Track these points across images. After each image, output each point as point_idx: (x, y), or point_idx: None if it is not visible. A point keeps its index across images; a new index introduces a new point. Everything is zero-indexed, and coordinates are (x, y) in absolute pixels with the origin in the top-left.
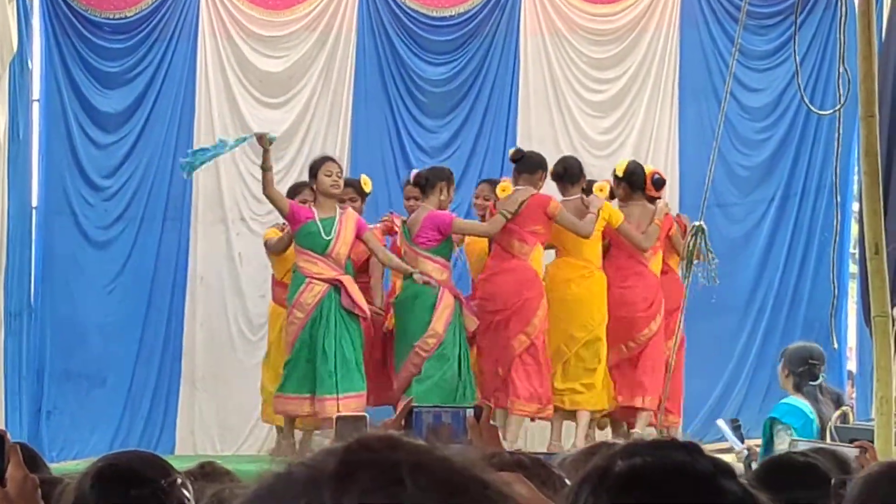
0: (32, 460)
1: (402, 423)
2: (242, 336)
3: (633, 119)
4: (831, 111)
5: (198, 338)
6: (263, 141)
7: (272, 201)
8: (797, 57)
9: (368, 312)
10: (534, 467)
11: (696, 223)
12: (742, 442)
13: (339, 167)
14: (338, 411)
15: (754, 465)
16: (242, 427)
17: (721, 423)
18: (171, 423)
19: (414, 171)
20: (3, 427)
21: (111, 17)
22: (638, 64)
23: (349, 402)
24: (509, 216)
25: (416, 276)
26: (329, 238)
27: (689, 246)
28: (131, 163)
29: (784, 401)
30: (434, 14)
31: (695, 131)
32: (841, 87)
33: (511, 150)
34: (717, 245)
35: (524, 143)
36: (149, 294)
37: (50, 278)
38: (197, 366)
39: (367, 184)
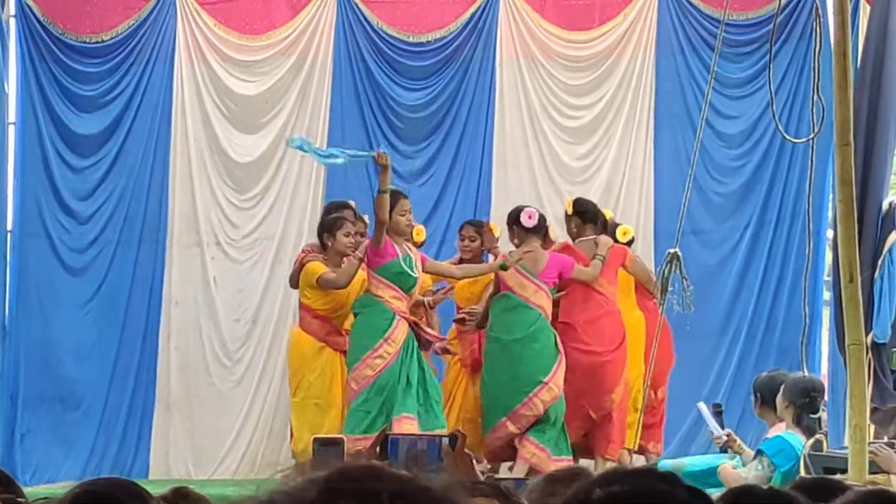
0: (8, 484)
1: (377, 450)
2: (217, 360)
3: (608, 145)
4: (806, 139)
5: (172, 361)
6: (382, 159)
7: (382, 227)
8: (772, 85)
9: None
10: (509, 495)
11: (671, 250)
12: (722, 428)
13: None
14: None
15: (730, 454)
16: (217, 451)
17: (702, 406)
18: (144, 446)
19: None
20: None
21: (88, 40)
22: (614, 91)
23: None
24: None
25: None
26: (415, 276)
27: (663, 273)
28: (107, 186)
29: (781, 435)
30: (411, 39)
31: (670, 158)
32: (815, 115)
33: (571, 201)
34: (692, 272)
35: (500, 168)
36: (123, 317)
37: (25, 301)
38: (171, 389)
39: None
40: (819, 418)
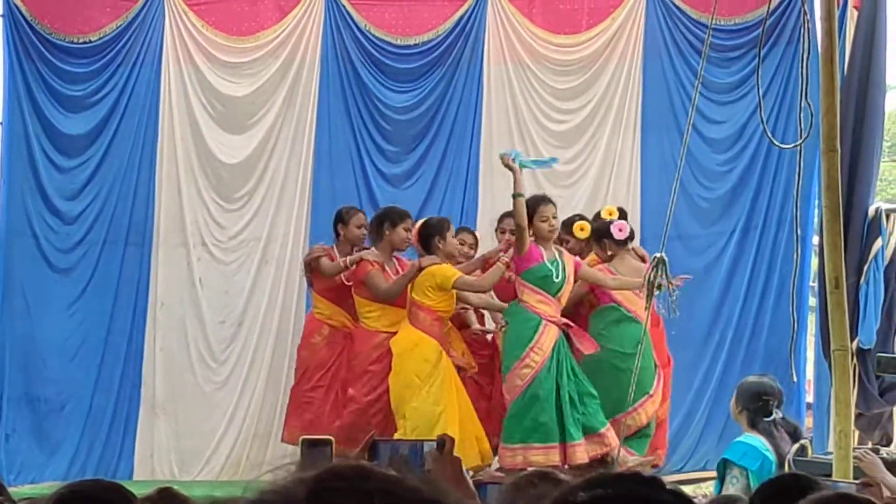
0: None
1: (365, 455)
2: (202, 361)
3: (595, 150)
4: (793, 145)
5: (157, 362)
6: (506, 160)
7: (523, 232)
8: (760, 90)
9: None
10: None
11: (657, 255)
12: None
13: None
14: (586, 458)
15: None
16: (202, 452)
17: None
18: (129, 447)
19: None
20: None
21: (75, 40)
22: (601, 95)
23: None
24: None
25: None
26: (560, 280)
27: (649, 278)
28: (93, 186)
29: (739, 440)
30: (398, 42)
31: (656, 163)
32: (802, 120)
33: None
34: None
35: (486, 171)
36: (109, 318)
37: (10, 301)
38: (156, 391)
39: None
40: (774, 420)
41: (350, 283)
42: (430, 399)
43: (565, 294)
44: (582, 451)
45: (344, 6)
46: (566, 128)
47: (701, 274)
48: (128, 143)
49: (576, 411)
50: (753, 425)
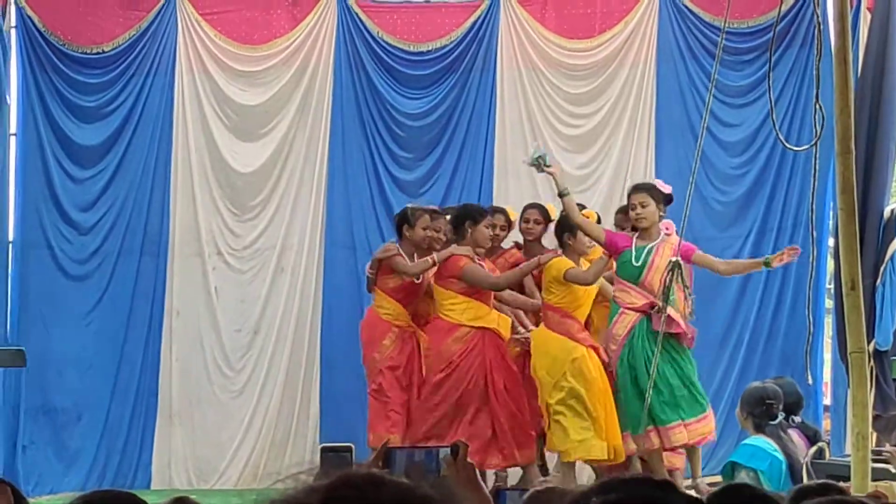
0: (15, 496)
1: (380, 463)
2: (218, 370)
3: (609, 154)
4: (806, 147)
5: (174, 372)
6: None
7: (584, 228)
8: (772, 93)
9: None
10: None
11: (673, 259)
12: None
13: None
14: (687, 439)
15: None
16: (218, 461)
17: None
18: (146, 457)
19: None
20: None
21: (88, 51)
22: (614, 99)
23: (697, 426)
24: None
25: None
26: (639, 265)
27: (665, 281)
28: (108, 197)
29: (746, 442)
30: (411, 49)
31: (671, 166)
32: (816, 123)
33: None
34: (694, 280)
35: (500, 177)
36: (125, 328)
37: (26, 312)
38: (173, 400)
39: (511, 214)
40: (780, 423)
41: (419, 282)
42: (570, 394)
43: (648, 280)
44: (681, 434)
45: (356, 14)
46: (580, 132)
47: (717, 278)
48: (142, 152)
49: (662, 396)
50: (759, 429)
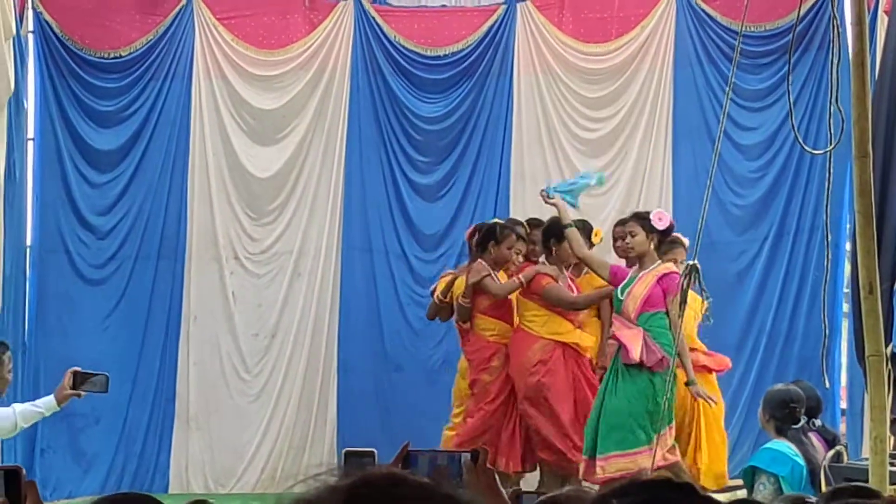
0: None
1: (400, 465)
2: (236, 374)
3: (626, 158)
4: (824, 151)
5: (191, 376)
6: (545, 198)
7: (588, 262)
8: (791, 96)
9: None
10: None
11: (690, 262)
12: None
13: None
14: (601, 471)
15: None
16: (236, 465)
17: None
18: (164, 462)
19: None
20: None
21: (106, 56)
22: (631, 103)
23: (619, 461)
24: None
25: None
26: (622, 298)
27: (682, 285)
28: (126, 201)
29: (767, 446)
30: (428, 53)
31: (688, 170)
32: (833, 126)
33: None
34: (711, 284)
35: (517, 181)
36: (143, 333)
37: (44, 316)
38: (190, 404)
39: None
40: (802, 427)
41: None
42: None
43: (625, 308)
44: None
45: (373, 18)
46: (597, 136)
47: (734, 281)
48: (159, 157)
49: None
50: (781, 433)
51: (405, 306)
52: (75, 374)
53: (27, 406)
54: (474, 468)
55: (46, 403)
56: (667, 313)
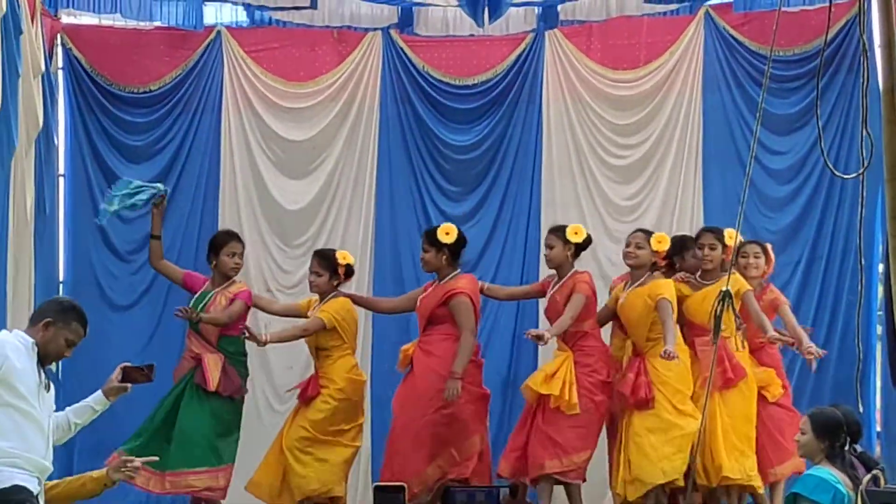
0: None
1: (438, 501)
2: (269, 407)
3: (657, 184)
4: (854, 175)
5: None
6: (158, 200)
7: (162, 273)
8: (820, 121)
9: (211, 386)
10: None
11: (724, 288)
12: None
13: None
14: (171, 485)
15: None
16: None
17: None
18: None
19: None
20: None
21: (135, 90)
22: (661, 129)
23: (185, 477)
24: None
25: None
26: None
27: (716, 311)
28: None
29: (810, 472)
30: (457, 82)
31: (719, 195)
32: (864, 150)
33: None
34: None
35: (548, 209)
36: (176, 366)
37: (77, 351)
38: None
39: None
40: (853, 450)
41: None
42: None
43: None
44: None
45: (401, 48)
46: (627, 163)
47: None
48: (189, 191)
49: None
50: (830, 458)
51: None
52: (125, 368)
53: (77, 404)
54: (513, 501)
55: (96, 399)
56: None
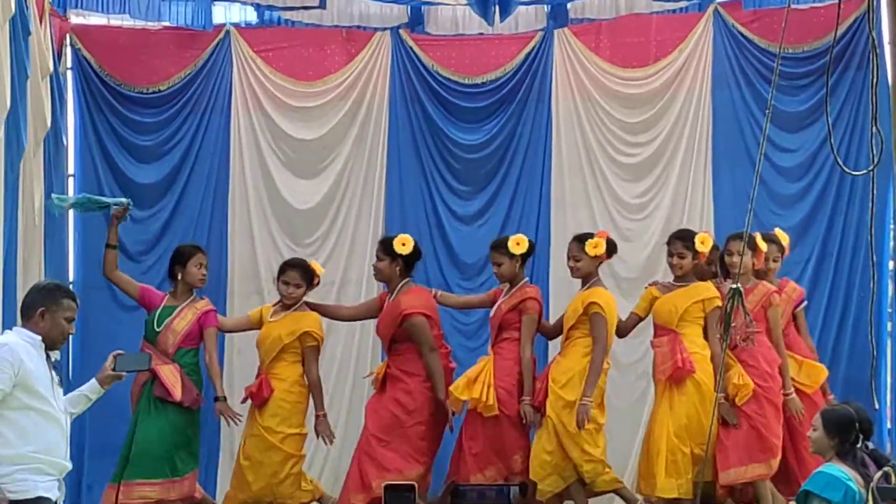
0: None
1: (448, 500)
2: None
3: (666, 182)
4: (864, 171)
5: (236, 409)
6: (120, 212)
7: (115, 284)
8: (829, 118)
9: (177, 397)
10: None
11: (733, 286)
12: None
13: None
14: (125, 498)
15: None
16: None
17: None
18: (210, 494)
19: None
20: None
21: (145, 90)
22: (670, 127)
23: (139, 488)
24: None
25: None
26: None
27: (726, 308)
28: (167, 236)
29: (822, 470)
30: (466, 81)
31: (728, 193)
32: (873, 147)
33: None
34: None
35: (558, 208)
36: (199, 382)
37: (88, 353)
38: (235, 438)
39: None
40: (865, 447)
41: None
42: None
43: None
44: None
45: (410, 47)
46: (637, 161)
47: None
48: (199, 191)
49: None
50: (842, 455)
51: (447, 335)
52: (116, 356)
53: (72, 393)
54: (523, 500)
55: (90, 387)
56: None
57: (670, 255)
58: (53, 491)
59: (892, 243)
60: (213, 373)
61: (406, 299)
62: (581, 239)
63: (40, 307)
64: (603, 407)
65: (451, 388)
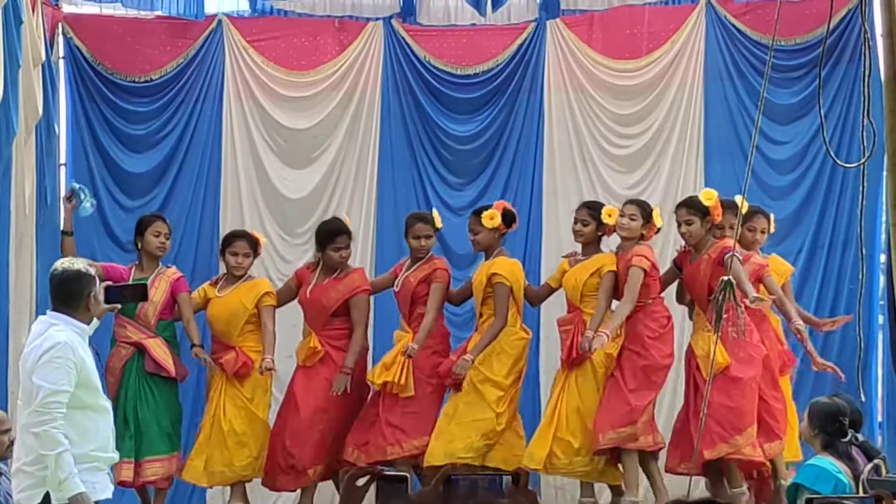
0: None
1: (440, 489)
2: (271, 395)
3: (658, 174)
4: (856, 164)
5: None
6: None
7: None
8: (822, 110)
9: (173, 372)
10: None
11: (725, 277)
12: None
13: (166, 228)
14: (139, 476)
15: None
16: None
17: None
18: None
19: None
20: None
21: (137, 80)
22: (662, 119)
23: (149, 465)
24: None
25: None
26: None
27: (717, 300)
28: None
29: (811, 462)
30: (458, 72)
31: (720, 185)
32: (865, 139)
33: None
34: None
35: (550, 199)
36: (179, 355)
37: None
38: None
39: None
40: (850, 441)
41: None
42: None
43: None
44: (129, 470)
45: (403, 38)
46: (629, 152)
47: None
48: (191, 180)
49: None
50: (829, 447)
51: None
52: (108, 287)
53: None
54: (516, 490)
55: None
56: None
57: (574, 221)
58: (108, 488)
59: (882, 236)
60: (191, 329)
61: (353, 277)
62: (478, 212)
63: (87, 291)
64: (515, 377)
65: (368, 374)
